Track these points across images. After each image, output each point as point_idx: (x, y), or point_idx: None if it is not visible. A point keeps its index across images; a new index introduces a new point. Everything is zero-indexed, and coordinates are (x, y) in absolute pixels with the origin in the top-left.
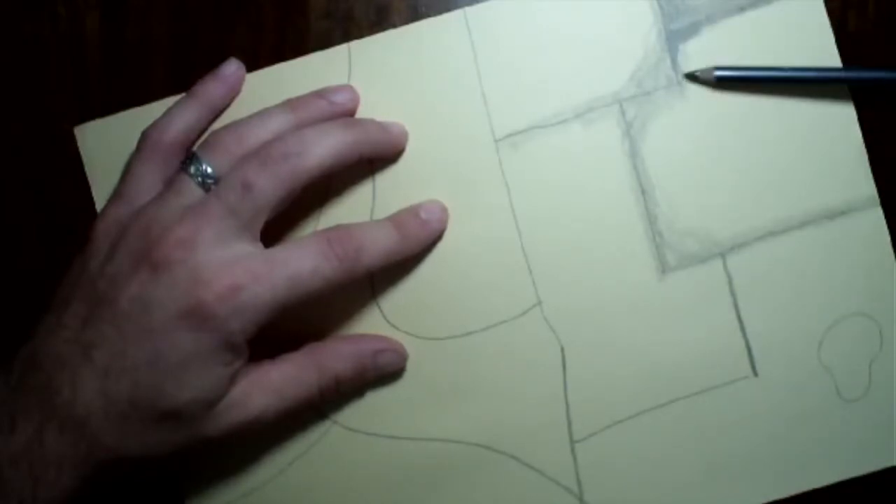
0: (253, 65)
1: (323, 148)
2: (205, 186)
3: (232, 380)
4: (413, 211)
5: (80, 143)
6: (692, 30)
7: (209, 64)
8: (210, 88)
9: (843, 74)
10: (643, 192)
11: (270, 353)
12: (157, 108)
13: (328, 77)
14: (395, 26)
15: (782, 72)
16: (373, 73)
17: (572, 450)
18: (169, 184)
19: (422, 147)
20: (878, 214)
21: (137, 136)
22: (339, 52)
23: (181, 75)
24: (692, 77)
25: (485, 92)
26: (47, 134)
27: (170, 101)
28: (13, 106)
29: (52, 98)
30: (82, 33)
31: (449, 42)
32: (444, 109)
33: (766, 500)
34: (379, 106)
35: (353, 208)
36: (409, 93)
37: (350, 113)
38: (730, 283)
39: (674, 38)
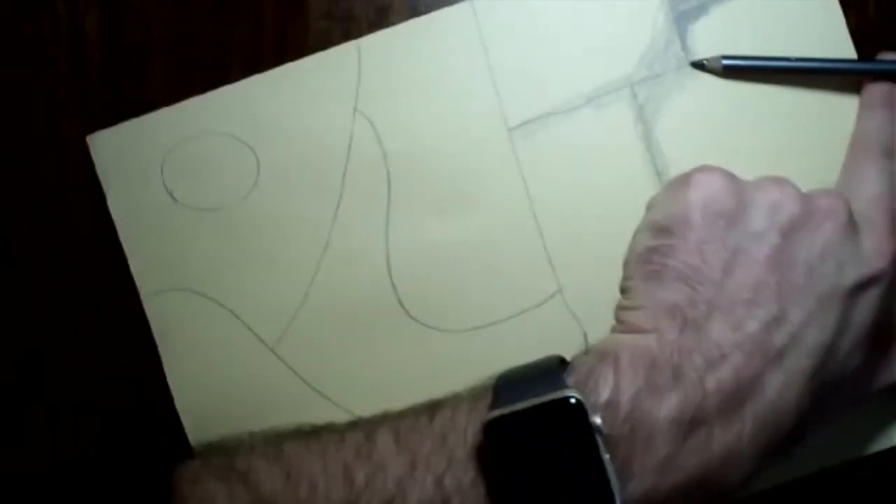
0: (253, 65)
1: None
2: None
3: None
4: None
5: (92, 152)
6: (700, 10)
7: (209, 64)
8: None
9: (851, 66)
10: (658, 174)
11: None
12: (166, 115)
13: (337, 75)
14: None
15: (790, 62)
16: (383, 69)
17: None
18: None
19: (435, 140)
20: None
21: (149, 142)
22: (347, 49)
23: (181, 76)
24: (699, 66)
25: (496, 81)
26: (47, 134)
27: (179, 105)
28: (13, 106)
29: (52, 98)
30: (82, 33)
31: (457, 33)
32: (456, 101)
33: (770, 485)
34: (390, 101)
35: (369, 205)
36: (420, 86)
37: None
38: None
39: (682, 20)
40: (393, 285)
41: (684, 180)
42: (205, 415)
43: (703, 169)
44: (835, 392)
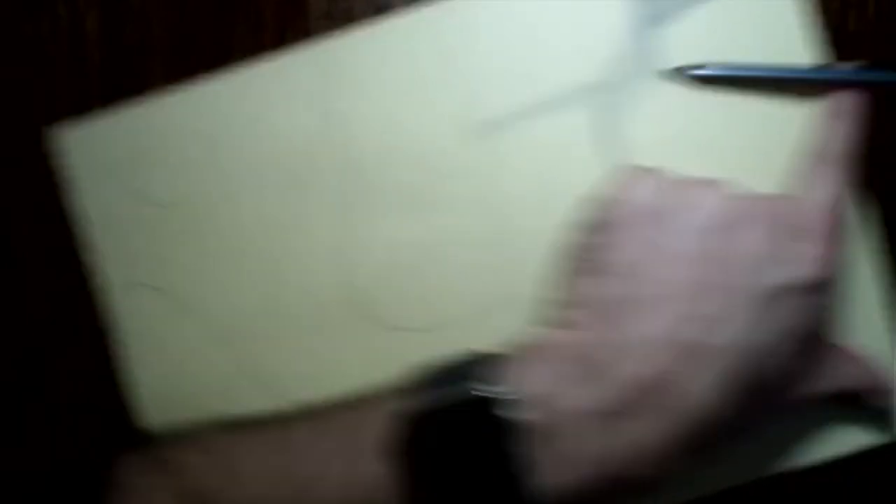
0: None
1: None
2: None
3: None
4: None
5: (60, 147)
6: (666, 16)
7: (209, 64)
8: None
9: (816, 75)
10: None
11: None
12: (135, 111)
13: (306, 74)
14: None
15: (756, 71)
16: (351, 69)
17: None
18: None
19: (401, 140)
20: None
21: (118, 138)
22: (313, 49)
23: (181, 75)
24: (666, 75)
25: (461, 84)
26: (47, 134)
27: (149, 102)
28: (13, 106)
29: (52, 98)
30: (82, 33)
31: (424, 35)
32: (422, 102)
33: (713, 491)
34: (357, 101)
35: (333, 203)
36: (387, 87)
37: None
38: None
39: (647, 25)
40: (355, 284)
41: (616, 180)
42: (165, 410)
43: (634, 169)
44: (767, 396)
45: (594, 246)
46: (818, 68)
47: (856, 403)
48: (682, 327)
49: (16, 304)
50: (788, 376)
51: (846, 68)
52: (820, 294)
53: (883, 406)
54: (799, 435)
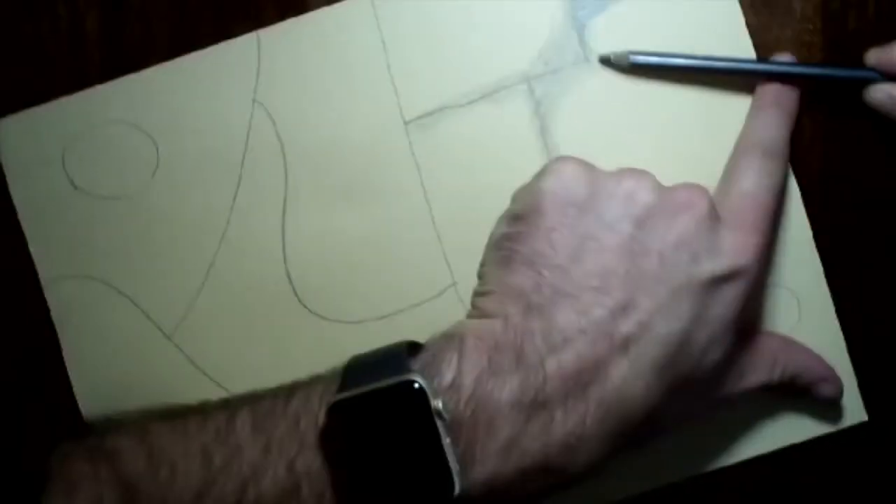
0: None
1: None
2: None
3: None
4: None
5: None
6: (599, 6)
7: None
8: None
9: (754, 66)
10: None
11: None
12: (69, 103)
13: (237, 65)
14: None
15: (695, 60)
16: (282, 60)
17: None
18: None
19: (334, 131)
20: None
21: (52, 129)
22: (247, 40)
23: None
24: (606, 61)
25: (393, 75)
26: None
27: (82, 94)
28: (13, 106)
29: (52, 98)
30: (82, 33)
31: (356, 25)
32: (354, 93)
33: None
34: (289, 92)
35: (266, 195)
36: (319, 78)
37: None
38: None
39: (580, 15)
40: (289, 276)
41: (541, 170)
42: (103, 401)
43: (559, 159)
44: (696, 387)
45: (522, 235)
46: (754, 60)
47: (796, 393)
48: (611, 318)
49: (16, 303)
50: (720, 367)
51: (784, 61)
52: (750, 283)
53: (825, 395)
54: (739, 428)
